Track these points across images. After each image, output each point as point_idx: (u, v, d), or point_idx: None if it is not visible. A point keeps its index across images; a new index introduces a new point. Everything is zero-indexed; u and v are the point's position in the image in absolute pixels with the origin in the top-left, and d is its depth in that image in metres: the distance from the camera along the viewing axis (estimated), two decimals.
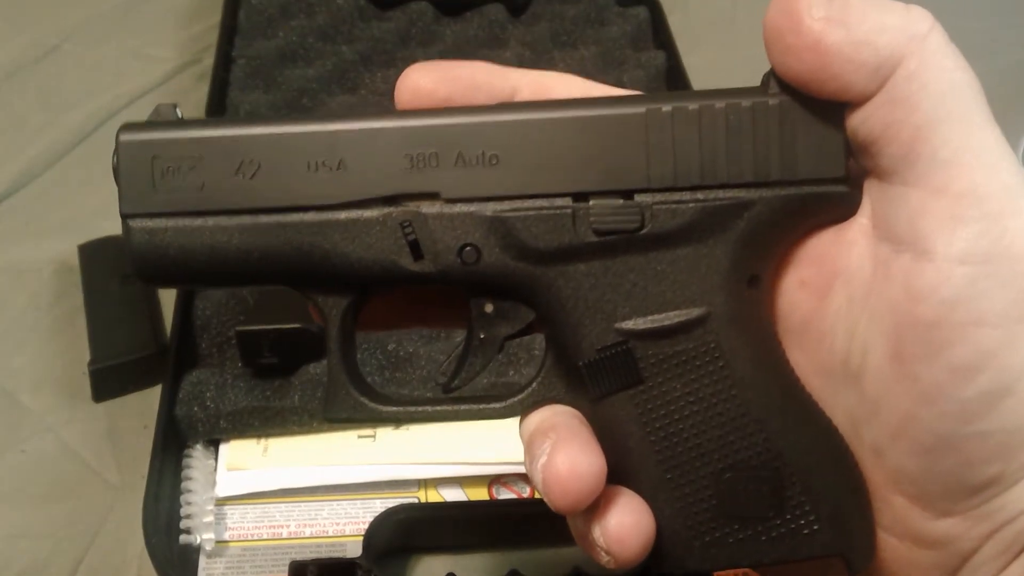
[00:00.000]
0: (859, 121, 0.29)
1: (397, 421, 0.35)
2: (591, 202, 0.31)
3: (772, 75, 0.31)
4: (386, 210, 0.32)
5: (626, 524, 0.31)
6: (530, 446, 0.32)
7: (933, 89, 0.28)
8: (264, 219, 0.32)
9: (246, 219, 0.32)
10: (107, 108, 0.83)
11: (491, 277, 0.32)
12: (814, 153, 0.31)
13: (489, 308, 0.33)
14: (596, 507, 0.31)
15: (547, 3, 0.94)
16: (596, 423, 0.32)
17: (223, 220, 0.32)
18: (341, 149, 0.31)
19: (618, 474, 0.32)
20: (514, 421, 0.58)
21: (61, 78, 0.86)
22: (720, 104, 0.31)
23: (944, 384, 0.28)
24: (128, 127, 0.32)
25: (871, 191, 0.31)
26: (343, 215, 0.32)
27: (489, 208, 0.31)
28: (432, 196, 0.32)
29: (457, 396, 0.34)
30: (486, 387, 0.58)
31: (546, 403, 0.33)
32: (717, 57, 0.93)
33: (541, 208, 0.31)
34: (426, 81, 0.33)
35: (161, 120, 0.33)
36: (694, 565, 0.32)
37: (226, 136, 0.32)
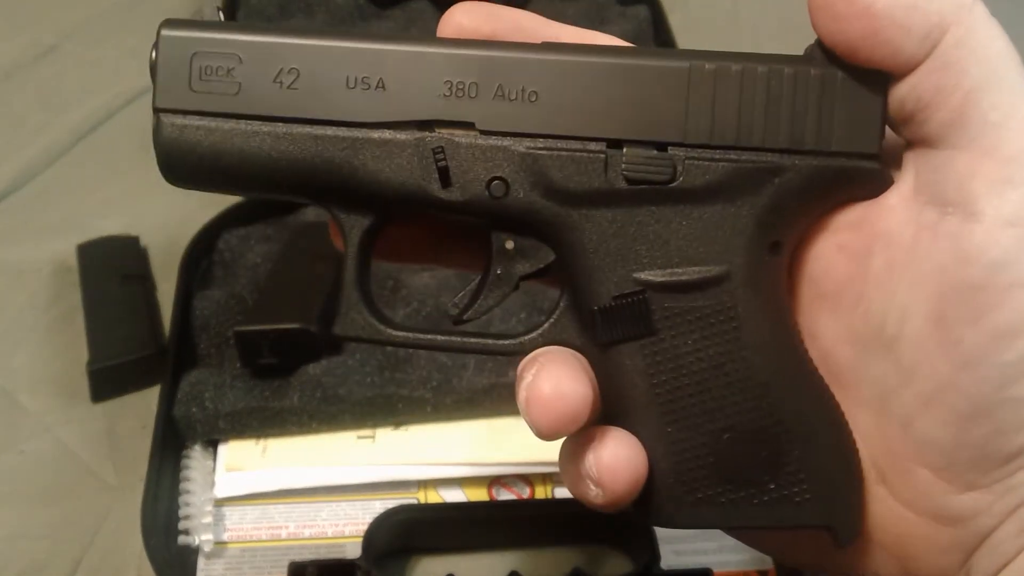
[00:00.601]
0: (907, 88, 0.30)
1: (404, 345, 0.35)
2: (625, 150, 0.31)
3: (818, 45, 0.31)
4: (420, 134, 0.32)
5: (620, 456, 0.31)
6: (521, 372, 0.32)
7: (981, 55, 0.29)
8: (298, 129, 0.32)
9: (280, 127, 0.32)
10: (106, 108, 0.83)
11: (516, 213, 0.32)
12: (851, 128, 0.31)
13: (510, 245, 0.33)
14: (592, 438, 0.31)
15: (547, 2, 0.93)
16: (602, 370, 0.33)
17: (257, 125, 0.32)
18: (382, 68, 0.32)
19: (619, 422, 0.32)
20: (513, 422, 0.58)
21: (60, 77, 0.86)
22: (763, 68, 0.31)
23: (986, 348, 0.29)
24: (171, 23, 0.32)
25: (915, 160, 0.31)
26: (376, 134, 0.32)
27: (523, 144, 0.32)
28: (467, 126, 0.32)
29: (466, 330, 0.35)
30: (485, 387, 0.58)
31: (553, 344, 0.33)
32: None
33: (575, 150, 0.32)
34: (469, 20, 0.34)
35: (204, 20, 0.33)
36: (682, 521, 0.32)
37: (269, 42, 0.32)
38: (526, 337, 0.34)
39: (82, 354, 0.61)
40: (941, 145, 0.30)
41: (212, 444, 0.57)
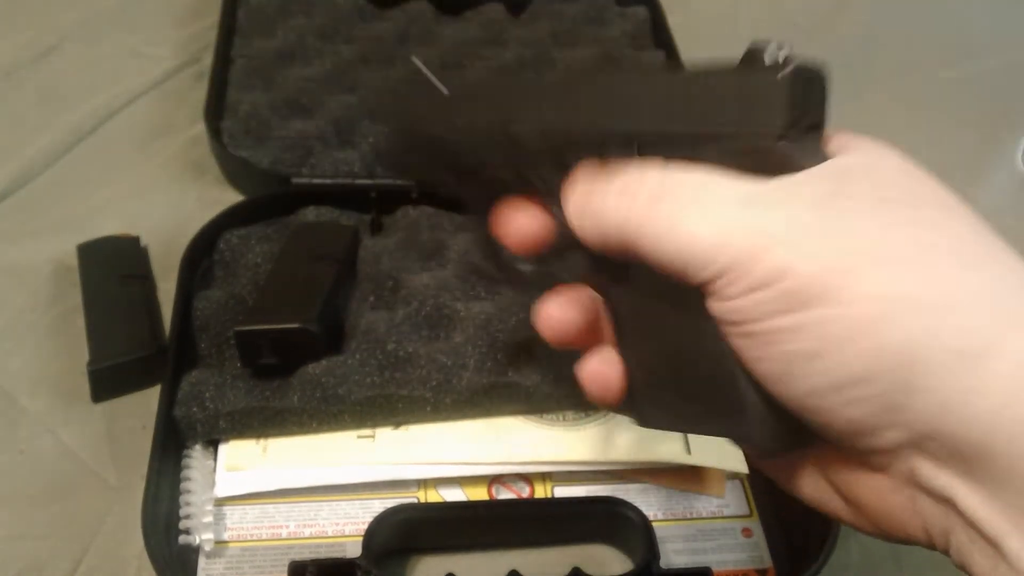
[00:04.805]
0: None
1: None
2: None
3: None
4: None
5: (594, 370, 0.38)
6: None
7: None
8: None
9: None
10: (106, 107, 0.83)
11: None
12: None
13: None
14: (587, 353, 0.39)
15: (547, 3, 0.93)
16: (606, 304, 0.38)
17: None
18: None
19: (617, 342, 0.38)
20: (513, 422, 0.59)
21: (59, 77, 0.86)
22: None
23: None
24: None
25: None
26: None
27: None
28: None
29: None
30: (485, 387, 0.58)
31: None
32: (718, 57, 0.93)
33: None
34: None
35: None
36: (646, 423, 0.38)
37: None
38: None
39: (82, 354, 0.61)
40: None
41: (212, 444, 0.58)
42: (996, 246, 0.29)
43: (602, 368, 0.38)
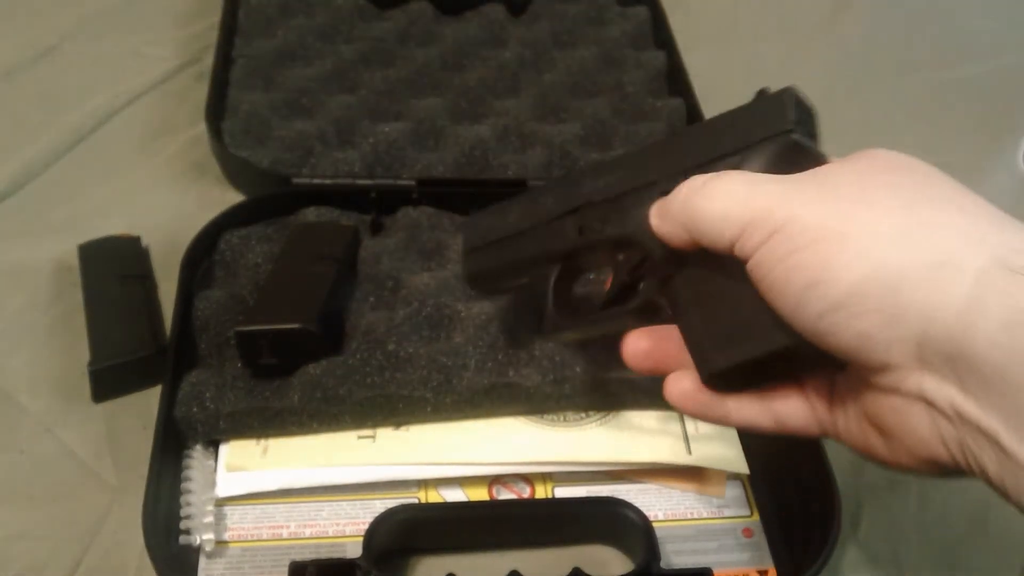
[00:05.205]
0: None
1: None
2: None
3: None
4: None
5: (628, 346, 0.46)
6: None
7: None
8: None
9: None
10: (106, 107, 0.83)
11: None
12: None
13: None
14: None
15: (547, 3, 0.93)
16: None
17: None
18: None
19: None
20: (513, 422, 0.59)
21: (60, 77, 0.85)
22: None
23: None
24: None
25: None
26: None
27: None
28: None
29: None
30: (486, 387, 0.58)
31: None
32: (718, 57, 0.93)
33: None
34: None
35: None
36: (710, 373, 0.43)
37: None
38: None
39: (82, 354, 0.61)
40: None
41: (213, 444, 0.58)
42: (966, 195, 0.36)
43: (634, 343, 0.46)
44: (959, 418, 0.33)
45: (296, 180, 0.72)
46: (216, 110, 0.77)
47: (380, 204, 0.71)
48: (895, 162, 0.37)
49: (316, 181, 0.72)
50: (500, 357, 0.60)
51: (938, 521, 0.59)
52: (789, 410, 0.42)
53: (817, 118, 0.41)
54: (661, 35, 0.90)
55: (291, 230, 0.68)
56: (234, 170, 0.76)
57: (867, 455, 0.39)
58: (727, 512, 0.58)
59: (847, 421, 0.40)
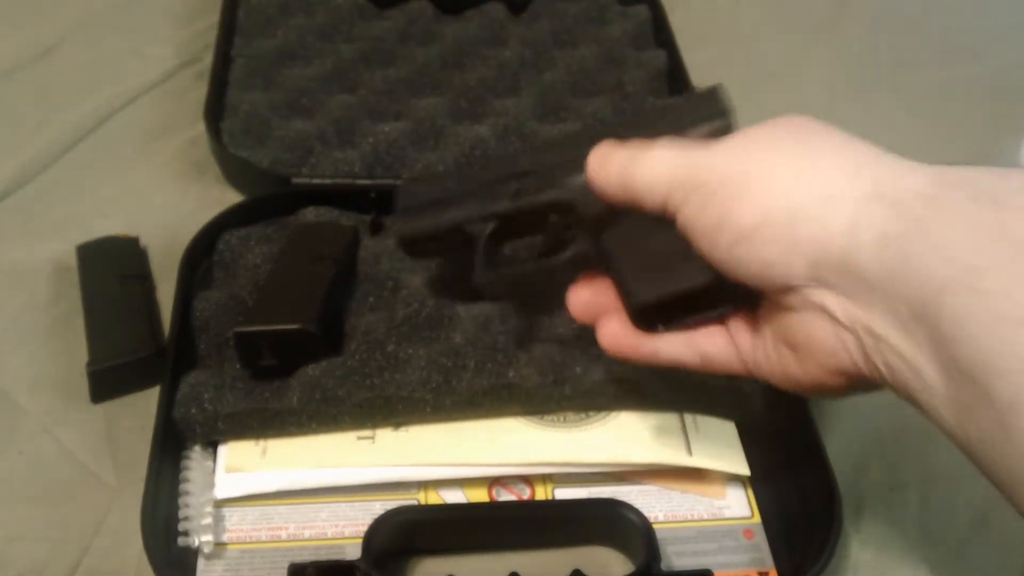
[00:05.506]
0: None
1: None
2: None
3: None
4: None
5: (577, 297, 0.51)
6: None
7: None
8: None
9: None
10: (105, 107, 0.83)
11: None
12: None
13: None
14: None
15: (547, 2, 0.93)
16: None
17: None
18: None
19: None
20: (513, 422, 0.59)
21: (59, 77, 0.85)
22: None
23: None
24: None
25: None
26: None
27: None
28: None
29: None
30: (485, 388, 0.58)
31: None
32: (719, 56, 0.93)
33: None
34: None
35: None
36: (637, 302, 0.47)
37: None
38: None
39: (82, 354, 0.61)
40: None
41: (212, 445, 0.57)
42: (855, 144, 0.40)
43: (585, 298, 0.50)
44: (856, 324, 0.38)
45: (296, 180, 0.72)
46: (215, 110, 0.77)
47: (380, 204, 0.71)
48: (797, 122, 0.42)
49: (316, 181, 0.72)
50: (500, 358, 0.60)
51: (939, 521, 0.59)
52: (714, 348, 0.47)
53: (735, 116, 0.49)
54: (662, 34, 0.90)
55: (290, 230, 0.68)
56: (233, 170, 0.76)
57: (784, 379, 0.44)
58: (727, 513, 0.58)
59: (766, 349, 0.45)
